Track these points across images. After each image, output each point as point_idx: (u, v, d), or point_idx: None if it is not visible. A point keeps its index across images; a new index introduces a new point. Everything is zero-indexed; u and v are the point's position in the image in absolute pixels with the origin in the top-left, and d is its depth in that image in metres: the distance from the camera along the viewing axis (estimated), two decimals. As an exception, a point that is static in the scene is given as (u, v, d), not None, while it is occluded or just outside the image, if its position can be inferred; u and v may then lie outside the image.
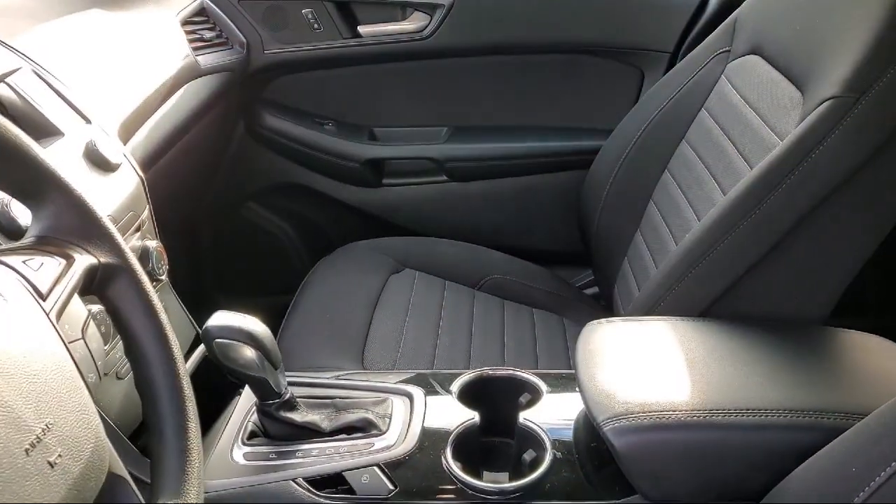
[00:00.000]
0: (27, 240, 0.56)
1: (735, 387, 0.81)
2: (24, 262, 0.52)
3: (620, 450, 0.77)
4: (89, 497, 0.47)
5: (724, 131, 1.19)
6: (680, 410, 0.77)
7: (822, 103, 0.91)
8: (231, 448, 0.88)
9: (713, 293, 0.97)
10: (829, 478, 0.68)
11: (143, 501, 0.51)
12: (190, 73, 1.40)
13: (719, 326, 0.94)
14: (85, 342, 0.68)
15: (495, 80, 1.72)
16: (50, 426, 0.45)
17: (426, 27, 1.65)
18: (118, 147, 0.97)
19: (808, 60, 1.01)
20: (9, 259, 0.51)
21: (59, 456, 0.44)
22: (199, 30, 1.51)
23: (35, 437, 0.43)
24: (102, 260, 0.58)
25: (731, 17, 1.31)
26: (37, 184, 0.56)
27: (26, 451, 0.42)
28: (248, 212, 1.81)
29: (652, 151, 1.35)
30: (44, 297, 0.51)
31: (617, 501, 0.80)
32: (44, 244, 0.56)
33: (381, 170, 1.76)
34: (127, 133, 1.11)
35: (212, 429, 0.93)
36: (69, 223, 0.57)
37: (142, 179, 0.98)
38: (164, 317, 0.59)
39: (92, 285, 0.57)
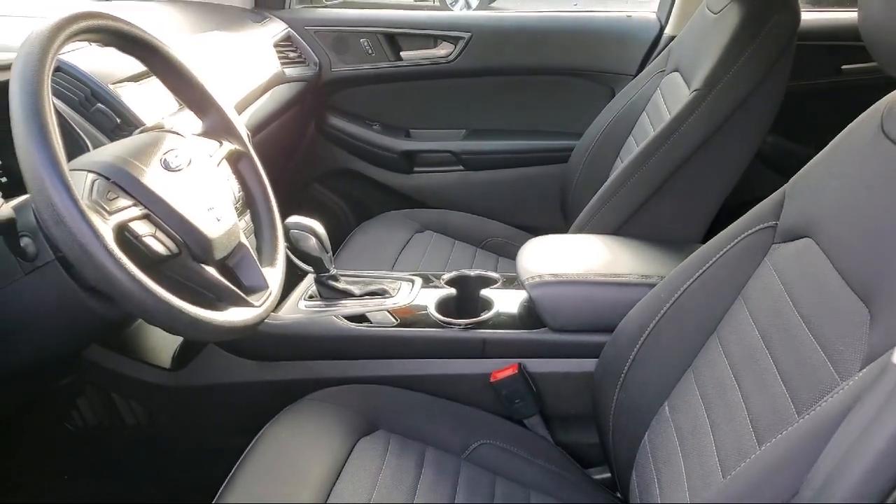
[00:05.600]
0: (198, 132, 1.01)
1: (612, 263, 1.22)
2: (199, 139, 0.97)
3: (534, 296, 1.18)
4: (230, 245, 0.90)
5: (651, 122, 1.60)
6: (573, 273, 1.18)
7: (691, 94, 1.32)
8: (297, 302, 1.31)
9: (621, 218, 1.37)
10: (649, 305, 1.05)
11: (256, 259, 0.94)
12: (278, 80, 1.85)
13: (620, 238, 1.34)
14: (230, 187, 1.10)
15: (501, 95, 2.11)
16: (216, 203, 0.89)
17: (451, 53, 2.06)
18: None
19: (693, 67, 1.42)
20: (195, 137, 0.96)
21: (221, 217, 0.88)
22: (285, 50, 1.96)
23: (212, 204, 0.88)
24: (237, 147, 1.02)
25: (668, 47, 1.72)
26: (204, 103, 1.01)
27: (208, 210, 0.87)
28: (312, 191, 2.24)
29: (609, 145, 1.74)
30: (210, 157, 0.96)
31: (532, 330, 1.20)
32: (207, 134, 1.00)
33: (413, 160, 2.16)
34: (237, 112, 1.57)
35: (289, 295, 1.35)
36: (220, 126, 1.02)
37: (248, 136, 1.43)
38: (266, 180, 1.04)
39: (231, 160, 1.02)
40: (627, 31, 2.00)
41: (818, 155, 0.92)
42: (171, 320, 0.75)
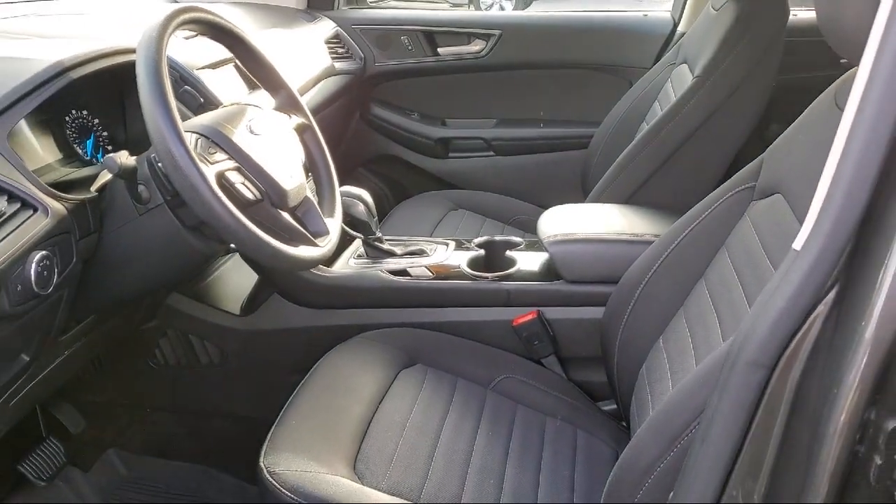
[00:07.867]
0: (272, 107, 1.19)
1: (621, 224, 1.38)
2: (274, 112, 1.16)
3: (552, 252, 1.34)
4: (299, 197, 1.08)
5: (661, 109, 1.75)
6: (585, 232, 1.34)
7: (693, 80, 1.48)
8: (348, 260, 1.49)
9: (631, 189, 1.54)
10: (648, 257, 1.21)
11: (319, 211, 1.13)
12: (328, 73, 2.03)
13: (628, 206, 1.50)
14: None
15: (529, 87, 2.27)
16: (289, 162, 1.07)
17: (483, 50, 2.24)
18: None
19: (696, 58, 1.57)
20: (271, 111, 1.15)
21: (293, 174, 1.06)
22: (334, 47, 2.15)
23: (286, 163, 1.06)
24: (303, 122, 1.21)
25: (678, 42, 1.87)
26: (276, 83, 1.20)
27: (283, 167, 1.05)
28: (356, 174, 2.42)
29: (625, 132, 1.89)
30: (282, 126, 1.14)
31: (551, 281, 1.37)
32: (279, 109, 1.19)
33: (448, 146, 2.34)
34: (293, 99, 1.75)
35: (341, 255, 1.53)
36: (289, 103, 1.21)
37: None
38: (326, 149, 1.22)
39: (298, 131, 1.20)
40: (643, 29, 2.16)
41: (790, 126, 1.07)
42: (258, 249, 0.93)
